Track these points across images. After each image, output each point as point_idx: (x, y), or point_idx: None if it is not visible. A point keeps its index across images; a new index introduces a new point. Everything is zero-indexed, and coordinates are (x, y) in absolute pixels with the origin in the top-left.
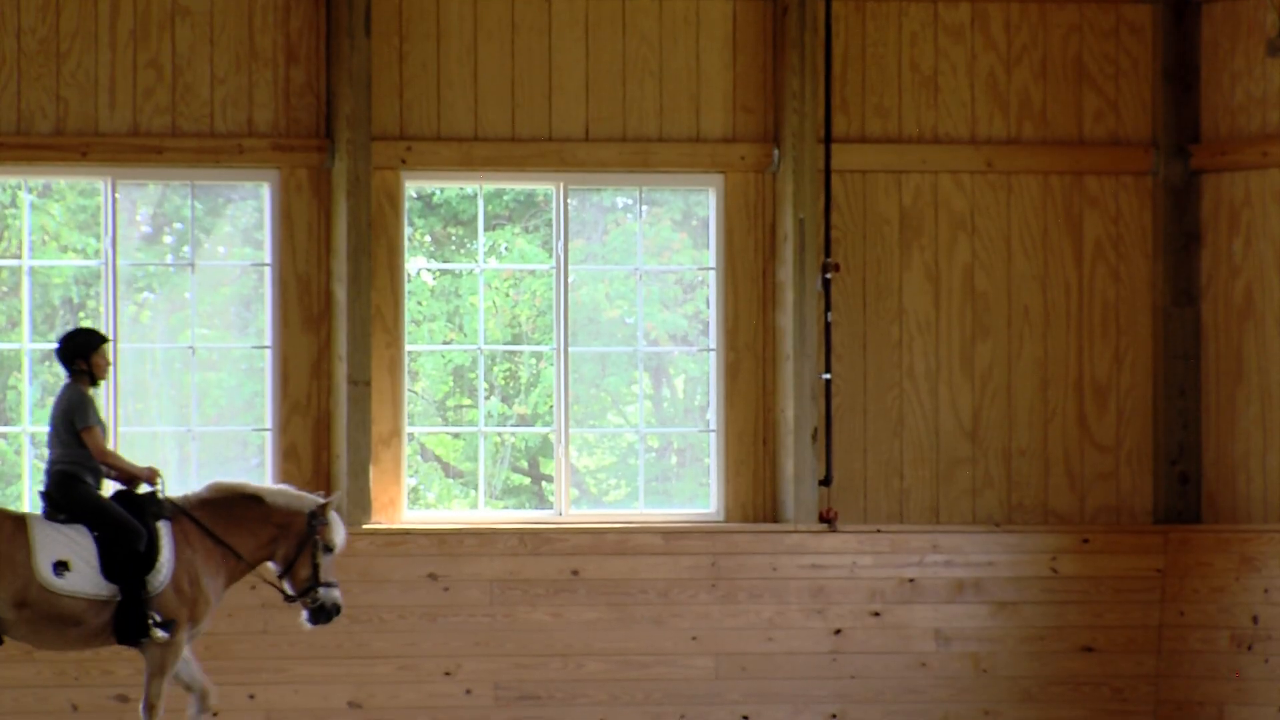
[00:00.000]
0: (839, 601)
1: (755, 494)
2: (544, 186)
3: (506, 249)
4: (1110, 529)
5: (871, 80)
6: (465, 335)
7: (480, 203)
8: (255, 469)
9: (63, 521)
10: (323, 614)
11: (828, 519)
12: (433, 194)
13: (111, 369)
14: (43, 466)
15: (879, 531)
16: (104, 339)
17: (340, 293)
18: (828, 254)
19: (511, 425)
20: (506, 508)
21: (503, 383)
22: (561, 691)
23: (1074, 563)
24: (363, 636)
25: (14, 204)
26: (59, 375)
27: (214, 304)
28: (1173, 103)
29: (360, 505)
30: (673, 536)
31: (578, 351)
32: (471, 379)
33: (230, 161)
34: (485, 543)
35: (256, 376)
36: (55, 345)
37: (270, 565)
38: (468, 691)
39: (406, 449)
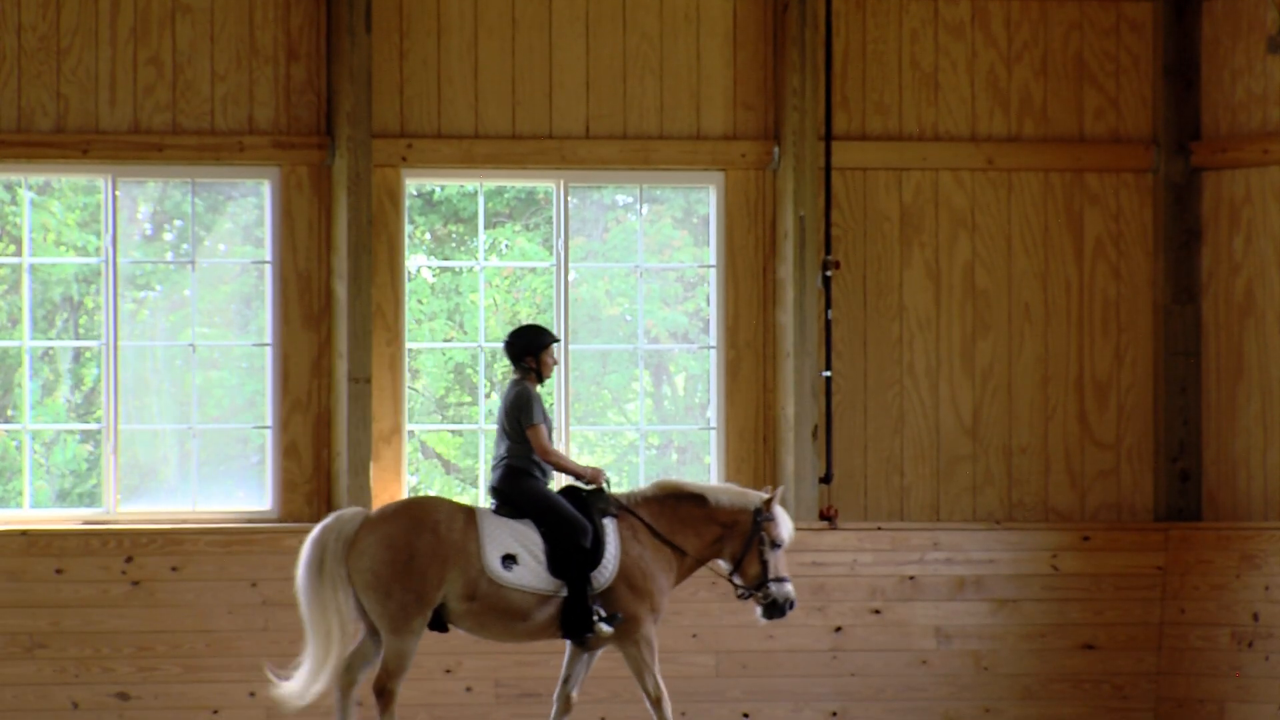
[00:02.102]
0: (839, 599)
1: None
2: (544, 184)
3: (507, 246)
4: (1111, 526)
5: (872, 77)
6: (466, 333)
7: (481, 200)
8: (256, 466)
9: (510, 516)
10: (775, 609)
11: (828, 516)
12: (433, 191)
13: (554, 367)
14: (492, 461)
15: (879, 529)
16: (553, 338)
17: (341, 290)
18: (828, 251)
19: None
20: None
21: (503, 380)
22: None
23: (1075, 560)
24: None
25: (14, 201)
26: (59, 372)
27: (214, 301)
28: (1173, 100)
29: (360, 503)
30: None
31: (578, 349)
32: (472, 376)
33: (231, 159)
34: None
35: (257, 374)
36: (504, 341)
37: (720, 563)
38: (468, 689)
39: (407, 446)
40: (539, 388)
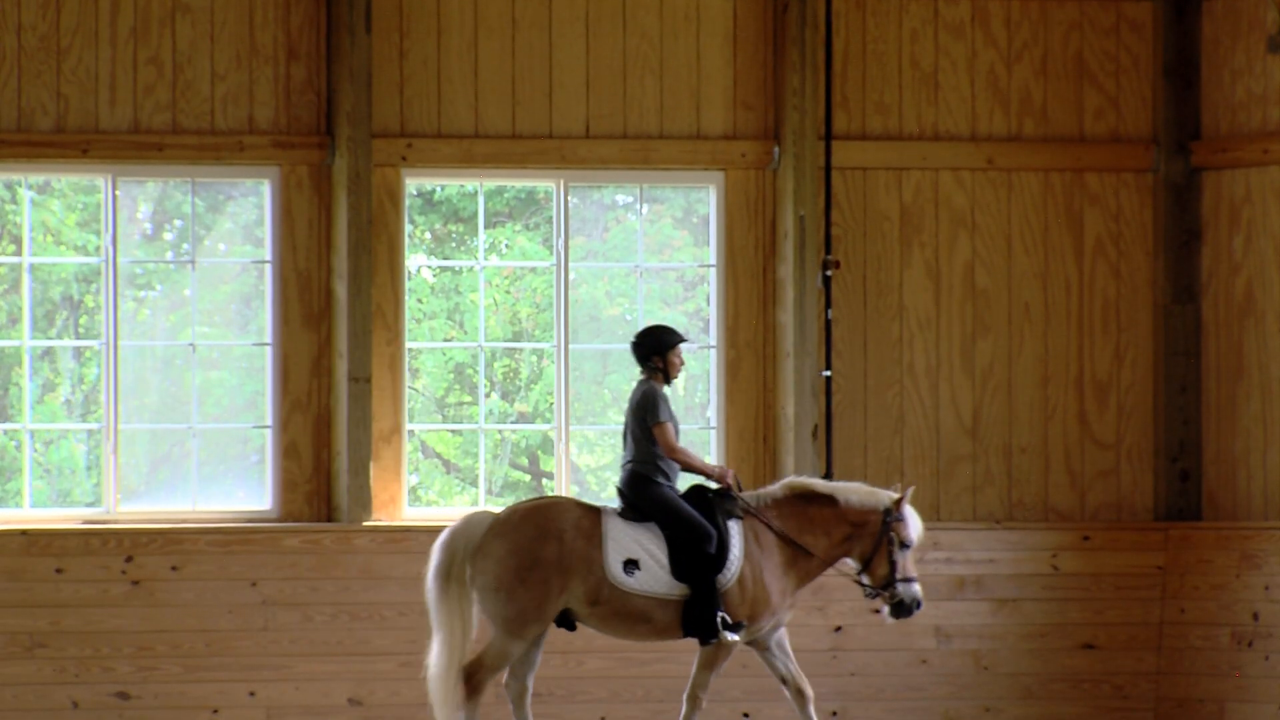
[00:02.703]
0: (839, 599)
1: None
2: (544, 184)
3: (507, 246)
4: (1111, 526)
5: (872, 77)
6: (466, 332)
7: (481, 200)
8: (256, 466)
9: (635, 519)
10: (903, 610)
11: None
12: (433, 191)
13: (682, 368)
14: (620, 462)
15: None
16: (681, 338)
17: (341, 290)
18: (828, 251)
19: (512, 422)
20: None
21: (503, 380)
22: (562, 688)
23: (1075, 560)
24: (363, 634)
25: (14, 201)
26: (60, 372)
27: (214, 301)
28: (1173, 100)
29: (360, 502)
30: None
31: (578, 349)
32: (472, 376)
33: (231, 158)
34: None
35: (257, 374)
36: (631, 342)
37: (849, 562)
38: None
39: (407, 446)
40: (666, 388)
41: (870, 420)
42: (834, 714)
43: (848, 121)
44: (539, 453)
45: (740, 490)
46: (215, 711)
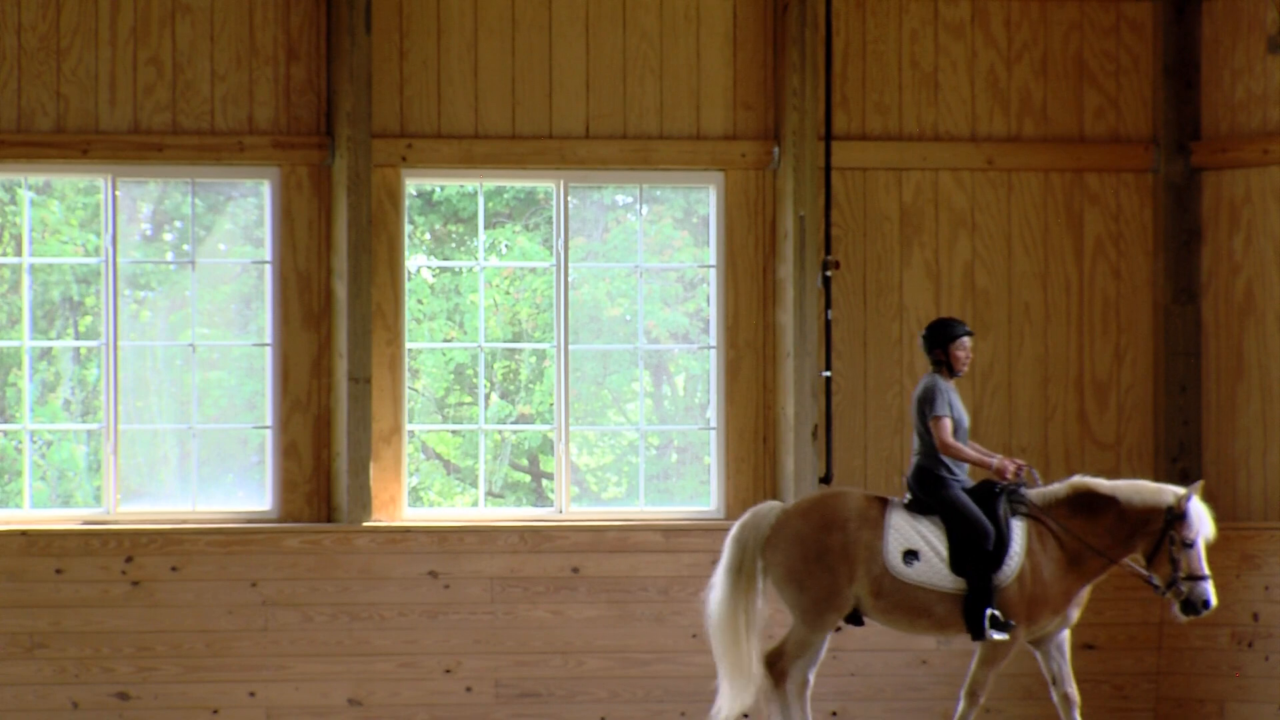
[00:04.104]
0: None
1: (755, 491)
2: (544, 184)
3: (507, 247)
4: None
5: (872, 77)
6: (465, 333)
7: (480, 200)
8: (256, 466)
9: (920, 511)
10: (1190, 608)
11: None
12: (433, 191)
13: (969, 360)
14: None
15: None
16: (964, 331)
17: (341, 290)
18: (828, 251)
19: (512, 423)
20: (507, 504)
21: (503, 380)
22: (562, 689)
23: None
24: (363, 634)
25: (14, 201)
26: (60, 372)
27: (214, 301)
28: (1173, 100)
29: (360, 503)
30: (673, 534)
31: (578, 349)
32: (472, 377)
33: (231, 159)
34: (486, 540)
35: (257, 374)
36: (920, 334)
37: (1138, 559)
38: (468, 689)
39: (407, 446)
40: (952, 381)
41: (870, 420)
42: (834, 714)
43: (847, 122)
44: (539, 453)
45: (1036, 482)
46: (215, 712)
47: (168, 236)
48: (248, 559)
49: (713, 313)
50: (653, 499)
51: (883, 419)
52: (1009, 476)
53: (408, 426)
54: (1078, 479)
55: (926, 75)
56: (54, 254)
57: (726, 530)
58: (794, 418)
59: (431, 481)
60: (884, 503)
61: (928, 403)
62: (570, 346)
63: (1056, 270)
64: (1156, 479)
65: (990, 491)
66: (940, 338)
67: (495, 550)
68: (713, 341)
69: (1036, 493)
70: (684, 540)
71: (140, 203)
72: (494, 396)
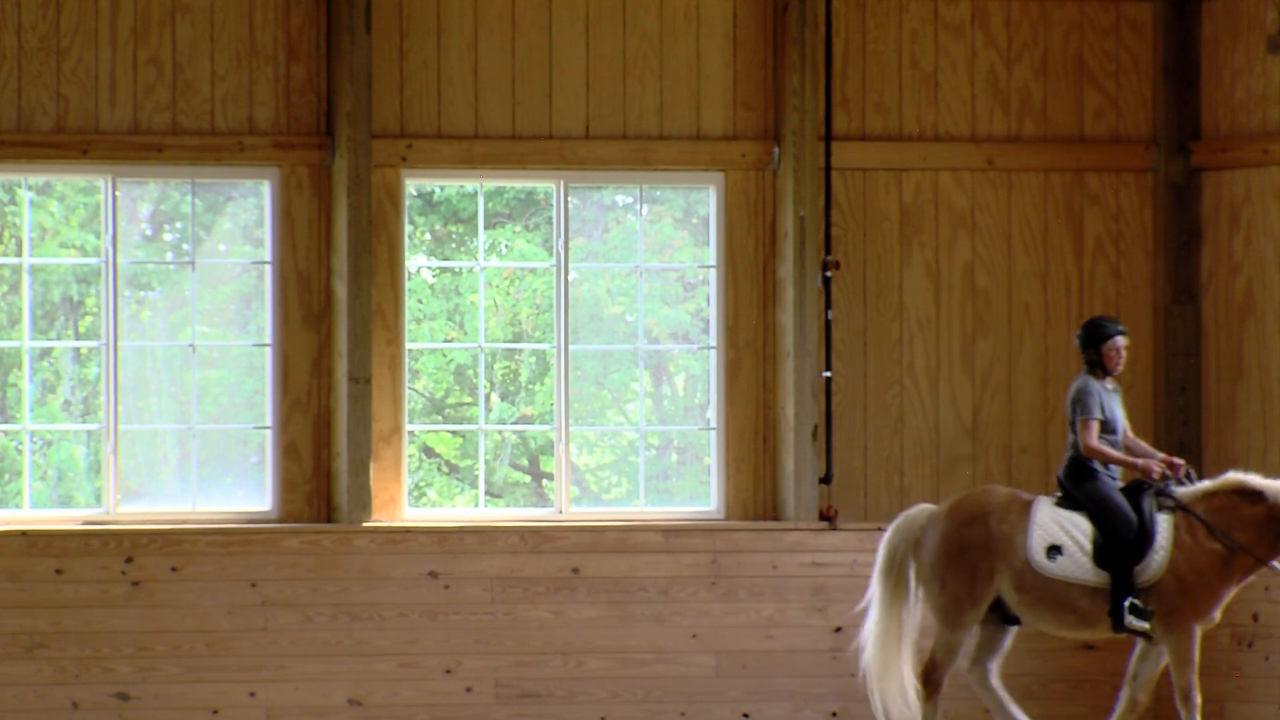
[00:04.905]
0: (839, 599)
1: (755, 492)
2: (544, 184)
3: (507, 247)
4: None
5: (872, 77)
6: (466, 333)
7: (480, 200)
8: (256, 466)
9: (1068, 507)
10: None
11: (828, 517)
12: (433, 191)
13: (1123, 360)
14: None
15: (879, 529)
16: (1116, 330)
17: (341, 290)
18: (828, 251)
19: (512, 423)
20: (506, 503)
21: (503, 381)
22: (562, 689)
23: None
24: (363, 634)
25: (14, 201)
26: (60, 372)
27: (214, 301)
28: (1173, 100)
29: (360, 503)
30: (673, 534)
31: (578, 349)
32: (472, 377)
33: (231, 159)
34: (486, 540)
35: (257, 374)
36: (1076, 334)
37: None
38: (468, 689)
39: (407, 446)
40: (1105, 382)
41: (870, 420)
42: (834, 714)
43: (847, 122)
44: (539, 454)
45: (1192, 481)
46: (215, 712)
47: (168, 236)
48: (248, 559)
49: (713, 313)
50: (653, 499)
51: (883, 419)
52: (1155, 477)
53: (408, 426)
54: (1231, 475)
55: (926, 75)
56: (54, 254)
57: (727, 531)
58: (794, 418)
59: (431, 481)
60: (1029, 501)
61: (1078, 404)
62: (570, 346)
63: (1056, 270)
64: None
65: (1139, 487)
66: (1093, 338)
67: (495, 550)
68: (713, 341)
69: (1189, 489)
70: (684, 540)
71: (140, 203)
72: (494, 397)
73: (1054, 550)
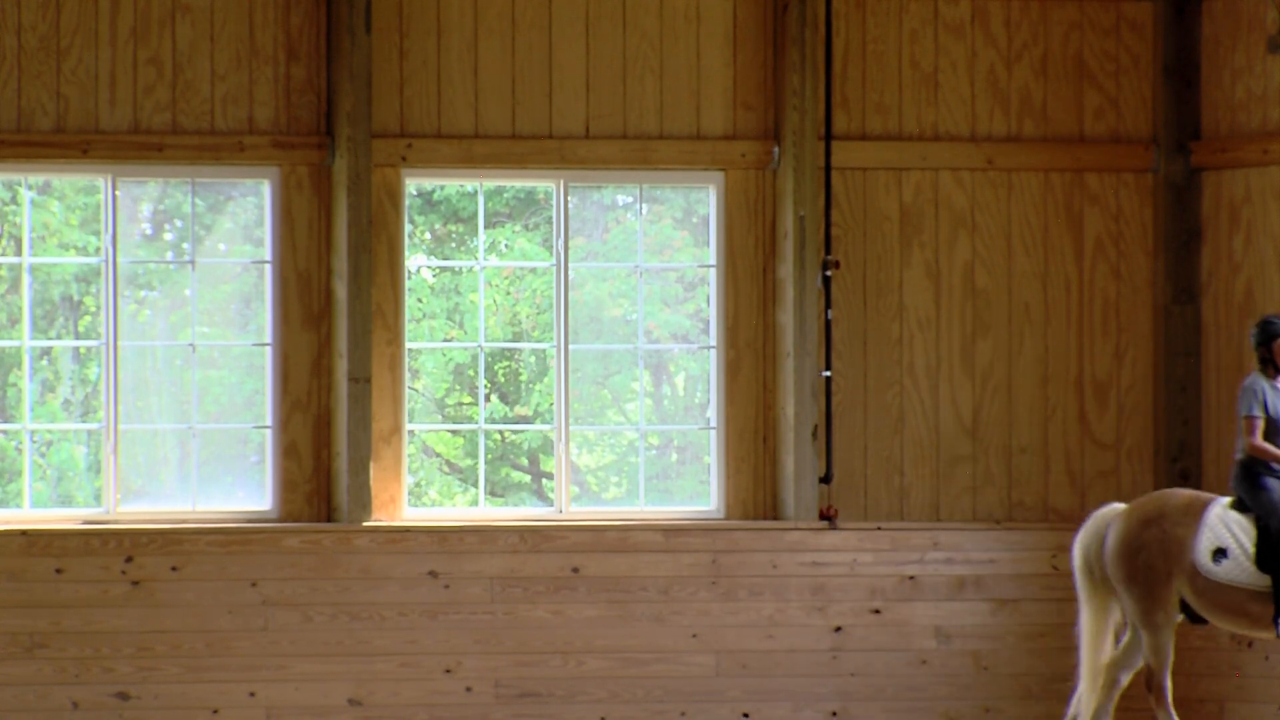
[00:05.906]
0: (839, 599)
1: (755, 491)
2: (544, 184)
3: (507, 246)
4: None
5: (872, 77)
6: (465, 333)
7: (480, 200)
8: (256, 466)
9: (1239, 510)
10: None
11: (828, 516)
12: (433, 191)
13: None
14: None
15: (879, 529)
16: None
17: (341, 290)
18: (828, 251)
19: (512, 423)
20: (505, 503)
21: (503, 381)
22: (562, 689)
23: None
24: (363, 634)
25: (14, 201)
26: (59, 373)
27: (214, 301)
28: (1173, 100)
29: (360, 503)
30: (673, 534)
31: (578, 349)
32: (472, 377)
33: (231, 159)
34: (486, 540)
35: (257, 374)
36: (1250, 332)
37: None
38: (468, 689)
39: (407, 446)
40: (1274, 381)
41: (870, 420)
42: (834, 714)
43: (847, 122)
44: (539, 453)
45: None
46: (215, 712)
47: (168, 236)
48: (248, 559)
49: (713, 313)
50: (653, 499)
51: (883, 419)
52: None
53: (408, 426)
54: None
55: (926, 75)
56: (54, 254)
57: (727, 530)
58: (794, 418)
59: (431, 481)
60: (1206, 503)
61: (1242, 401)
62: (570, 347)
63: (1056, 270)
64: (1156, 479)
65: None
66: (1264, 336)
67: (495, 550)
68: (713, 341)
69: None
70: (684, 540)
71: (140, 202)
72: (494, 397)
73: (1219, 553)
